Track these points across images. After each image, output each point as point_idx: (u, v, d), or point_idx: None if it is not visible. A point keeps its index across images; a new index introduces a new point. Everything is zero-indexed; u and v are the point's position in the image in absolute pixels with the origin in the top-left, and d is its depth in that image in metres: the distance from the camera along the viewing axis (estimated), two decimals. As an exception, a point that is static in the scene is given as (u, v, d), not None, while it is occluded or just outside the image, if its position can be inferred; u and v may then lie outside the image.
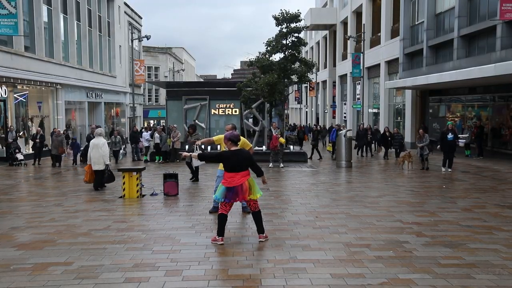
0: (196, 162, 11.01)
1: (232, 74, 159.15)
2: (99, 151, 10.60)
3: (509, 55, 15.04)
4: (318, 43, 48.68)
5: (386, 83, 25.89)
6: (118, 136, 18.87)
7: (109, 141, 17.81)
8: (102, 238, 6.57)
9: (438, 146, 15.22)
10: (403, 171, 14.91)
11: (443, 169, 14.47)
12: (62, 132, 21.08)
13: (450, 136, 14.52)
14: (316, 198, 9.88)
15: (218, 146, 8.46)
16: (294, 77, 20.09)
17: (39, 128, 19.75)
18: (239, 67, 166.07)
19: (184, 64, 64.12)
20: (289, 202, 9.36)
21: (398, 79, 24.43)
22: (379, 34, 29.44)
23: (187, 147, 12.44)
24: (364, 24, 29.72)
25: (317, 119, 47.49)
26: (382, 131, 21.32)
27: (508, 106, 17.90)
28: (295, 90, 48.66)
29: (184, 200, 9.75)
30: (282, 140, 16.42)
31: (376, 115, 30.52)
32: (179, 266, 5.27)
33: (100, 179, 10.99)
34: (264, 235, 6.36)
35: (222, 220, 6.18)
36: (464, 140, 16.19)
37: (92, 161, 10.69)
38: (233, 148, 6.32)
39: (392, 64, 27.27)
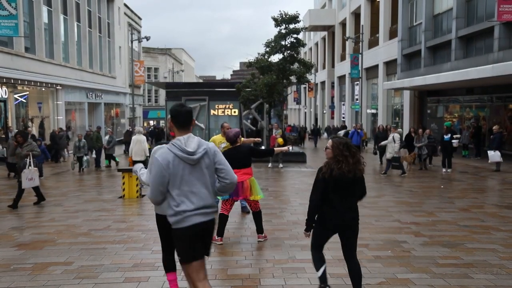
0: (25, 184, 8.98)
1: (231, 75, 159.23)
2: (141, 146, 12.68)
3: (507, 56, 15.09)
4: (316, 44, 48.76)
5: (384, 83, 25.94)
6: (83, 140, 15.99)
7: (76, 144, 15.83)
8: (102, 238, 6.60)
9: (439, 147, 15.32)
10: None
11: (444, 170, 14.53)
12: (64, 130, 21.04)
13: (446, 137, 14.62)
14: (315, 198, 9.89)
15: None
16: (293, 78, 20.15)
17: (29, 129, 19.69)
18: (238, 68, 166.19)
19: (183, 65, 64.14)
20: (288, 202, 9.39)
21: (396, 80, 24.48)
22: (377, 35, 29.51)
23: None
24: (362, 25, 29.78)
25: (316, 119, 47.56)
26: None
27: (506, 106, 17.96)
28: (294, 91, 48.71)
29: (184, 200, 9.75)
30: (279, 140, 16.22)
31: (375, 115, 30.58)
32: (178, 266, 5.28)
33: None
34: (263, 235, 6.39)
35: (222, 220, 6.22)
36: (457, 141, 16.28)
37: (133, 153, 12.67)
38: (232, 146, 6.39)
39: (390, 65, 27.33)
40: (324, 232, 4.17)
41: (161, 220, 3.92)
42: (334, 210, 4.03)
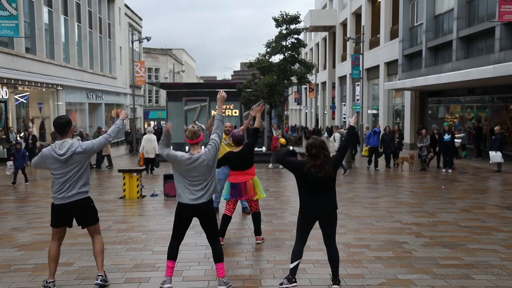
0: None
1: (232, 75, 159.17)
2: (152, 144, 13.98)
3: (508, 57, 15.07)
4: (317, 44, 48.74)
5: (385, 84, 25.92)
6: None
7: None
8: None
9: (437, 148, 15.31)
10: (403, 172, 14.94)
11: (443, 170, 14.53)
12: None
13: (446, 137, 14.59)
14: (315, 199, 9.89)
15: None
16: (294, 78, 20.15)
17: (30, 129, 19.69)
18: (239, 69, 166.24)
19: (184, 65, 64.17)
20: (289, 203, 9.39)
21: (397, 80, 24.46)
22: (378, 35, 29.50)
23: None
24: (363, 26, 29.74)
25: (317, 120, 47.54)
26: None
27: (507, 107, 17.94)
28: (295, 91, 48.69)
29: (184, 201, 9.76)
30: (282, 140, 16.44)
31: (376, 116, 30.57)
32: (179, 267, 5.29)
33: (152, 165, 14.73)
34: (261, 237, 6.38)
35: (225, 221, 6.24)
36: (460, 140, 16.23)
37: (145, 151, 14.10)
38: (236, 150, 6.38)
39: (391, 65, 27.31)
40: (303, 219, 4.60)
41: (180, 208, 4.60)
42: (307, 202, 4.53)
